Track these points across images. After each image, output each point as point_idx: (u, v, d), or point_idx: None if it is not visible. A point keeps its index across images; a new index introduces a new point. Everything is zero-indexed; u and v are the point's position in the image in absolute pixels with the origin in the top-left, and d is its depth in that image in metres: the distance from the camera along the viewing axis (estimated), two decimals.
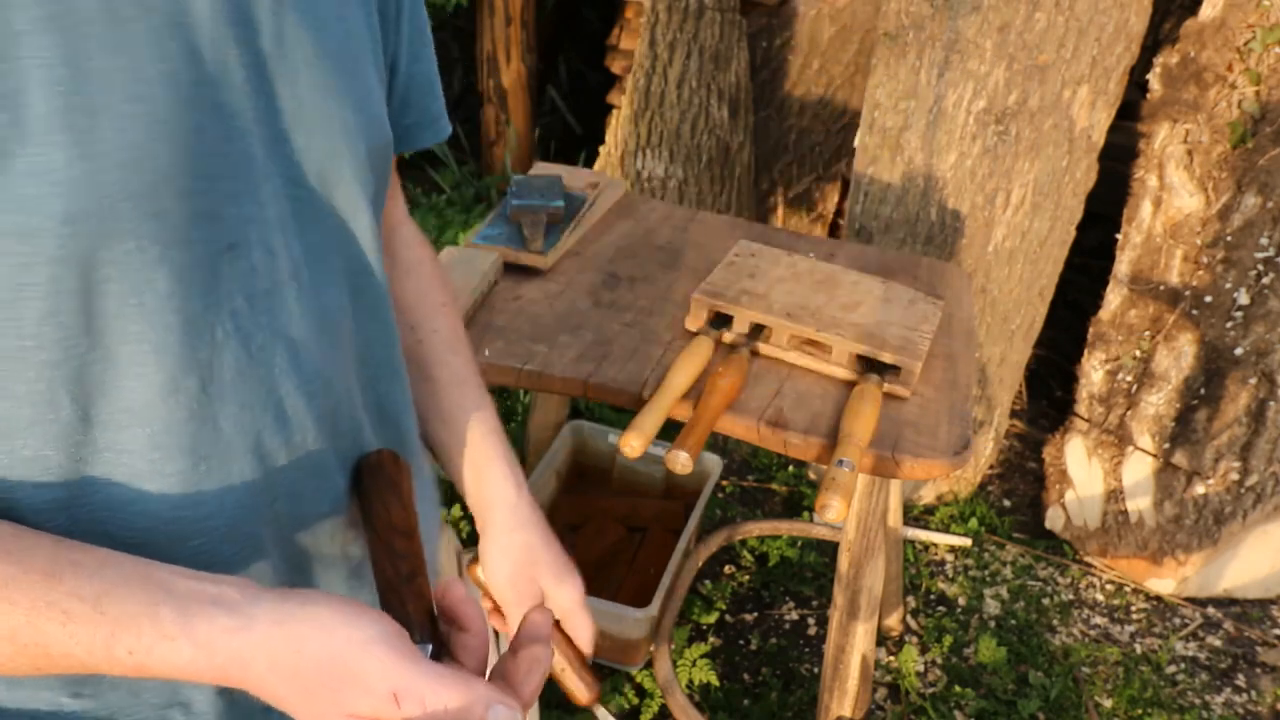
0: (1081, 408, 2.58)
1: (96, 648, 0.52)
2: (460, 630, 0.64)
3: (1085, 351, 2.56)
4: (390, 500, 0.73)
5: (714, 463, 2.20)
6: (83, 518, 0.58)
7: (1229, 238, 2.27)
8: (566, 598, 0.84)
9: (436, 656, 0.64)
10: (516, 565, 0.84)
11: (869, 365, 1.37)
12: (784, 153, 3.27)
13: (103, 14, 0.52)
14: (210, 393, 0.61)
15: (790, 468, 2.75)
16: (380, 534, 0.71)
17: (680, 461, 1.20)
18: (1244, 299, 2.27)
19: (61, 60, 0.51)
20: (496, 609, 0.88)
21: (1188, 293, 2.35)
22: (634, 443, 1.22)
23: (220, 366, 0.61)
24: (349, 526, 0.75)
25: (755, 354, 1.42)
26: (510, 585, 0.84)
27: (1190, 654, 2.33)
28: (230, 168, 0.59)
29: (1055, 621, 2.38)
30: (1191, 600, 2.48)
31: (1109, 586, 2.51)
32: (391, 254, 0.88)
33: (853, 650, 1.57)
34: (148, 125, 0.54)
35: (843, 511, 1.13)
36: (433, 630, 0.65)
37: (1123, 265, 2.48)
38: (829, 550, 2.45)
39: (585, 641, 0.86)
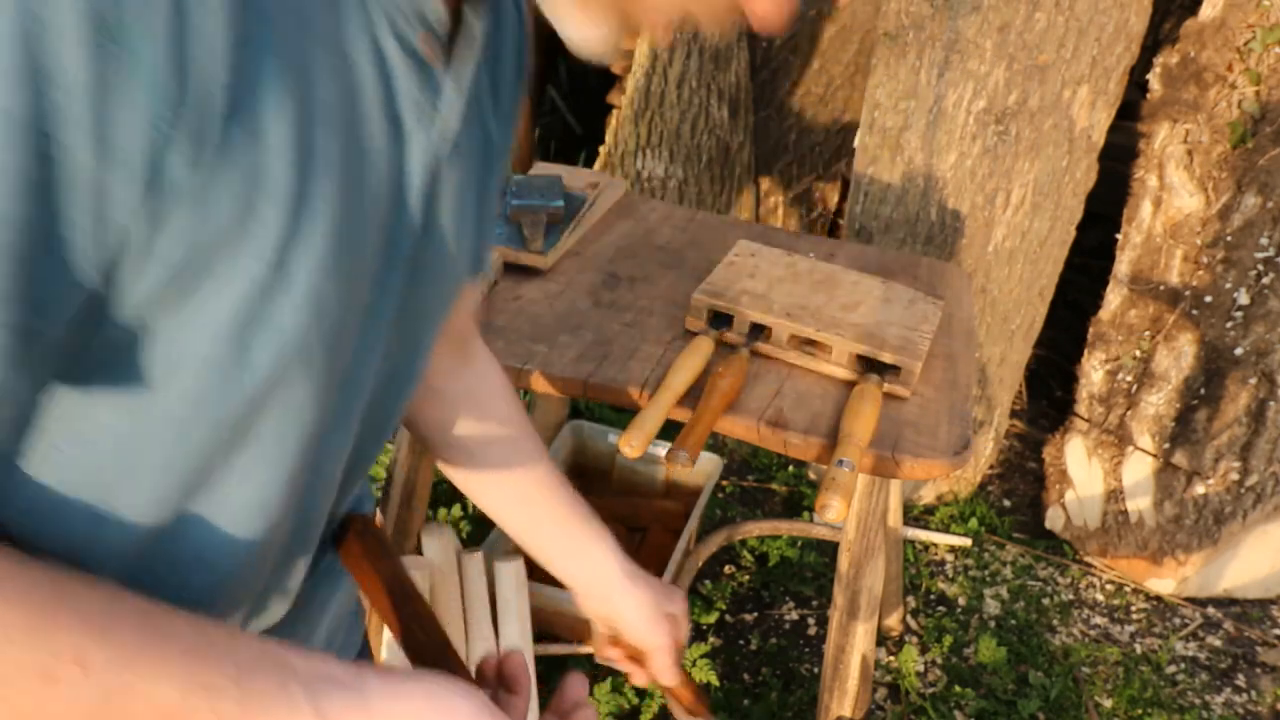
0: (1081, 408, 2.58)
1: None
2: (509, 692, 0.68)
3: (1085, 351, 2.56)
4: (396, 567, 0.75)
5: (714, 463, 2.20)
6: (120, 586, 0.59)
7: (1229, 238, 2.27)
8: (682, 614, 0.95)
9: None
10: (650, 613, 0.92)
11: (869, 365, 1.37)
12: (784, 153, 3.27)
13: (364, 194, 0.55)
14: (286, 505, 0.63)
15: (790, 468, 2.75)
16: (399, 600, 0.73)
17: (680, 461, 1.20)
18: (1244, 299, 2.27)
19: (334, 238, 0.53)
20: (630, 659, 0.96)
21: (1188, 293, 2.35)
22: (634, 443, 1.22)
23: (299, 485, 0.64)
24: (276, 617, 0.78)
25: (755, 354, 1.42)
26: (652, 631, 0.92)
27: (1190, 654, 2.33)
28: (375, 314, 0.63)
29: (1055, 621, 2.38)
30: (1191, 600, 2.48)
31: (1109, 586, 2.51)
32: (478, 366, 0.93)
33: (853, 650, 1.57)
34: (356, 287, 0.57)
35: (843, 511, 1.13)
36: None
37: (1123, 265, 2.48)
38: (829, 550, 2.45)
39: (684, 638, 0.96)
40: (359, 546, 0.76)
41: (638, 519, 2.18)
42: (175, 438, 0.54)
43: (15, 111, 0.39)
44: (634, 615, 0.92)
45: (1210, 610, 2.46)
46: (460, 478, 0.93)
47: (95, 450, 0.53)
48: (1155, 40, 3.20)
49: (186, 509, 0.59)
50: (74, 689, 0.48)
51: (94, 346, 0.49)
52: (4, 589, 0.46)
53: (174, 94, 0.43)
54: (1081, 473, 2.56)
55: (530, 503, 0.92)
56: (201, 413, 0.54)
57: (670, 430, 1.28)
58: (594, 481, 2.28)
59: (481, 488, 0.93)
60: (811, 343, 1.40)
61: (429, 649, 0.69)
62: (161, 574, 0.60)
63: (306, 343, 0.55)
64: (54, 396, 0.51)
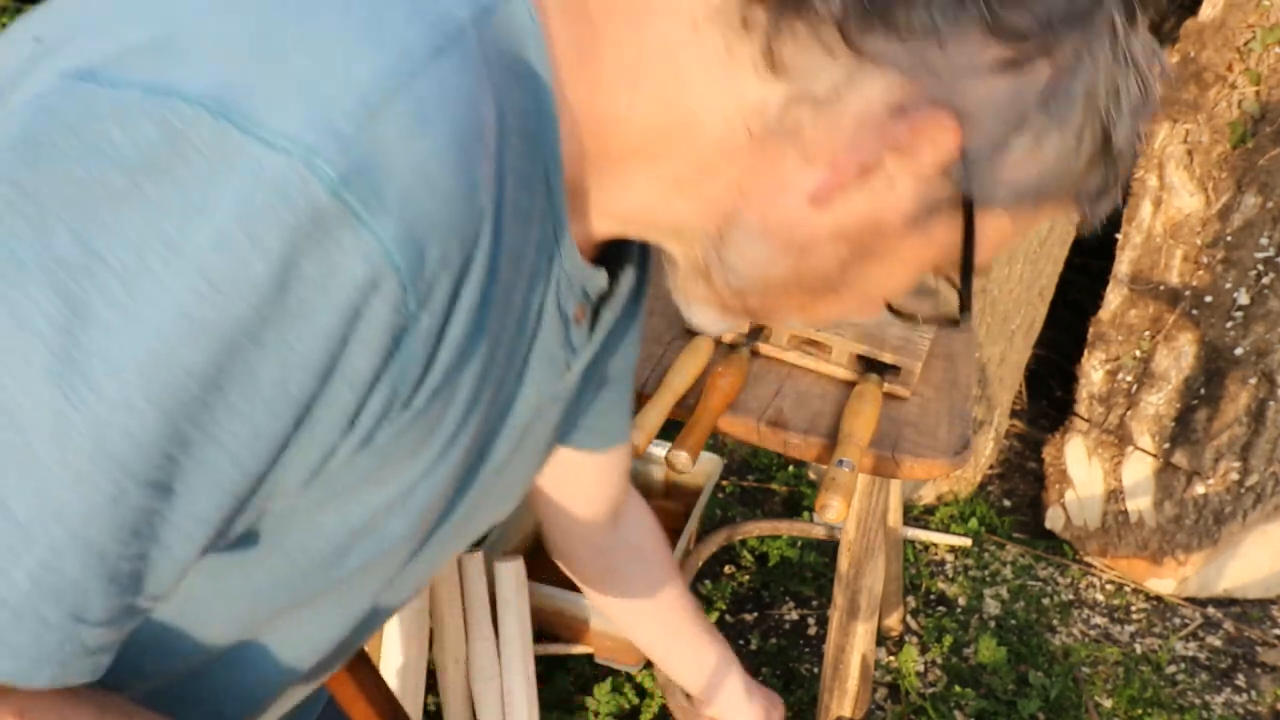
0: (1081, 408, 2.58)
1: None
2: None
3: (1085, 351, 2.56)
4: (384, 687, 0.77)
5: (714, 463, 2.20)
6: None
7: (1229, 238, 2.28)
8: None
9: None
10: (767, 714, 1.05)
11: (869, 365, 1.37)
12: None
13: (485, 427, 0.58)
14: (335, 643, 0.65)
15: (790, 468, 2.75)
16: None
17: (680, 461, 1.20)
18: (1244, 299, 2.28)
19: (456, 468, 0.56)
20: None
21: (1188, 293, 2.35)
22: (634, 442, 1.22)
23: (353, 626, 0.65)
24: None
25: (755, 354, 1.42)
26: None
27: (1190, 654, 2.33)
28: (454, 506, 0.64)
29: (1055, 621, 2.38)
30: (1191, 600, 2.48)
31: (1109, 586, 2.51)
32: (629, 515, 1.00)
33: (853, 650, 1.57)
34: (436, 506, 0.60)
35: (843, 511, 1.13)
36: None
37: (1123, 265, 2.48)
38: (829, 550, 2.45)
39: None
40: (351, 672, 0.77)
41: None
42: (248, 602, 0.55)
43: (300, 397, 0.42)
44: None
45: (1210, 610, 2.46)
46: (602, 602, 1.02)
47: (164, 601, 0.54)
48: (1156, 40, 3.19)
49: (238, 648, 0.59)
50: None
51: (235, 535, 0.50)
52: None
53: (414, 382, 0.47)
54: (1081, 473, 2.56)
55: (671, 631, 1.03)
56: (282, 589, 0.55)
57: (670, 430, 1.28)
58: None
59: (623, 611, 1.03)
60: (811, 342, 1.41)
61: None
62: (196, 697, 0.60)
63: (399, 543, 0.57)
64: None
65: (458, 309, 0.46)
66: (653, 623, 1.03)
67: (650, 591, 1.00)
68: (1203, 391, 2.35)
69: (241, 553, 0.51)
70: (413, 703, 1.64)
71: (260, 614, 0.56)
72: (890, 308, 0.62)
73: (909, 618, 2.33)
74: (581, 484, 0.90)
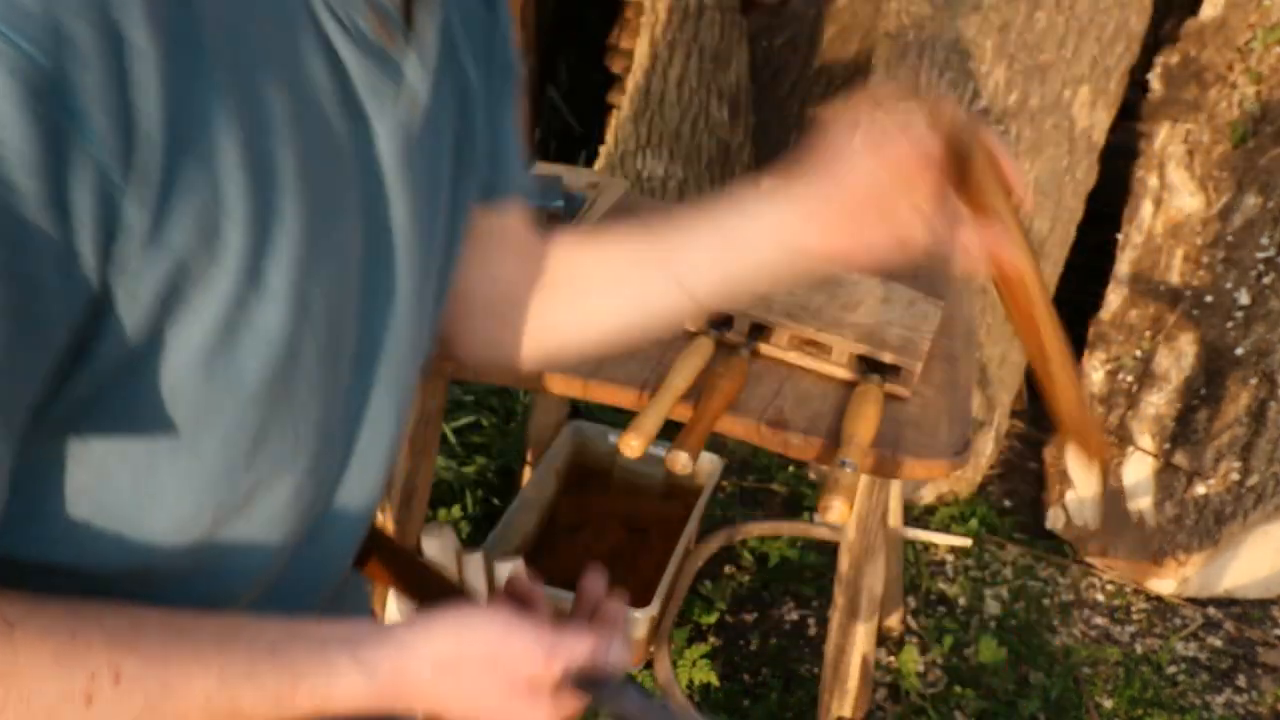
0: None
1: (284, 695, 0.56)
2: (529, 607, 0.72)
3: (1085, 351, 2.56)
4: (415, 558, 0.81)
5: (714, 463, 2.20)
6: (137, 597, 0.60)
7: (1229, 238, 2.27)
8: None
9: None
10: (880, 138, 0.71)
11: (869, 365, 1.37)
12: (784, 153, 3.27)
13: (334, 191, 0.56)
14: (319, 496, 0.65)
15: (790, 468, 2.75)
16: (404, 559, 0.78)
17: (680, 462, 1.20)
18: (1244, 299, 2.27)
19: (306, 240, 0.54)
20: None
21: (1188, 293, 2.35)
22: (634, 443, 1.22)
23: (331, 476, 0.66)
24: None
25: (755, 354, 1.41)
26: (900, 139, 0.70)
27: (1191, 654, 2.33)
28: (365, 318, 0.64)
29: (1056, 622, 2.37)
30: (1192, 600, 2.48)
31: (1109, 587, 2.51)
32: (551, 258, 0.87)
33: (853, 650, 1.57)
34: (345, 276, 0.59)
35: (845, 513, 1.13)
36: None
37: (1123, 265, 2.47)
38: (829, 550, 2.45)
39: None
40: (381, 563, 0.80)
41: (638, 519, 2.18)
42: (188, 459, 0.55)
43: None
44: (863, 164, 0.69)
45: (1211, 610, 2.46)
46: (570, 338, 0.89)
47: (117, 487, 0.54)
48: (1156, 40, 3.20)
49: (220, 525, 0.59)
50: (115, 703, 0.50)
51: (83, 388, 0.49)
52: (25, 628, 0.48)
53: (123, 147, 0.44)
54: (1082, 473, 2.56)
55: (670, 251, 0.81)
56: (206, 430, 0.54)
57: (670, 430, 1.28)
58: (594, 482, 2.28)
59: (597, 331, 0.87)
60: (812, 343, 1.40)
61: (443, 594, 0.75)
62: (203, 589, 0.61)
63: (294, 342, 0.55)
64: (69, 447, 0.52)
65: (127, 53, 0.43)
66: (654, 277, 0.81)
67: (618, 268, 0.84)
68: (1203, 392, 2.35)
69: (139, 414, 0.52)
70: None
71: (213, 468, 0.56)
72: None
73: (909, 618, 2.33)
74: (500, 254, 0.83)
